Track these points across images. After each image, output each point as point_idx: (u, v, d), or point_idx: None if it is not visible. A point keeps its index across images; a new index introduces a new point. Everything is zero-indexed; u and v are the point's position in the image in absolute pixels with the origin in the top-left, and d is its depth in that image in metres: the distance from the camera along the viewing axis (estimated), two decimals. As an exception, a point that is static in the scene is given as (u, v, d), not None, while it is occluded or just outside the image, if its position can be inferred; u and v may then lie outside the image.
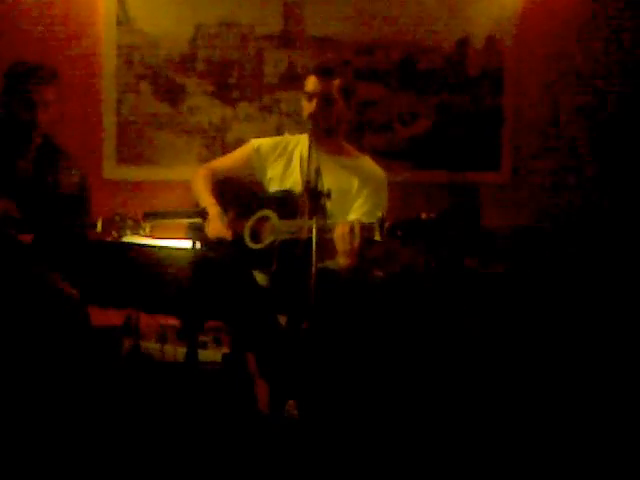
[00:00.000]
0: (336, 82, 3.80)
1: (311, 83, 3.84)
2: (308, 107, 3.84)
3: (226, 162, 4.09)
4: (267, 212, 3.76)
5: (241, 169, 4.04)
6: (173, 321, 4.17)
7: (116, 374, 3.95)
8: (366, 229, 3.29)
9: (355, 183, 3.74)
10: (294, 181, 3.86)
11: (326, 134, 3.82)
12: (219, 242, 3.63)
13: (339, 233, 3.35)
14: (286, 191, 3.84)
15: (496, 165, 5.22)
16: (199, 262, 3.34)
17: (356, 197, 3.73)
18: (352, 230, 3.31)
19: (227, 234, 3.67)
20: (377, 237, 3.24)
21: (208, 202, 3.79)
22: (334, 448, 3.43)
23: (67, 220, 3.79)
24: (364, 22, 5.06)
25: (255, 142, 4.07)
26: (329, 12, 5.05)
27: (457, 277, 4.53)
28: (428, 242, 3.17)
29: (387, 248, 3.78)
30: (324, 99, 3.80)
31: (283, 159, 3.97)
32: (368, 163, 3.91)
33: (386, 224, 3.21)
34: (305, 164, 3.64)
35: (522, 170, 5.23)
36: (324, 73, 3.82)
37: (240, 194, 3.97)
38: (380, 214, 3.27)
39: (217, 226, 3.70)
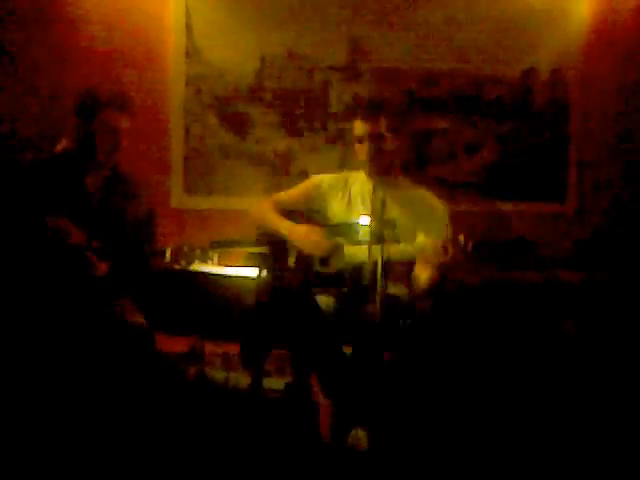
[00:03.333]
0: (382, 120, 3.81)
1: (358, 127, 3.87)
2: (360, 150, 3.88)
3: (287, 196, 4.13)
4: (339, 240, 3.79)
5: (302, 204, 4.07)
6: (238, 348, 4.19)
7: (181, 401, 3.96)
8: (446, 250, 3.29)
9: (415, 216, 3.74)
10: (354, 217, 3.89)
11: (383, 172, 3.85)
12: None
13: (434, 246, 3.34)
14: (351, 222, 3.87)
15: (561, 196, 5.17)
16: (265, 290, 3.36)
17: (418, 230, 3.72)
18: (445, 245, 3.30)
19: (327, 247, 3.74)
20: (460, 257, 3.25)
21: (288, 224, 3.84)
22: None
23: (134, 248, 3.84)
24: (429, 52, 5.07)
25: (316, 178, 4.11)
26: (394, 42, 5.07)
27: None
28: (505, 262, 3.17)
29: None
30: (374, 140, 3.82)
31: (345, 196, 4.00)
32: (426, 195, 3.92)
33: (469, 243, 3.21)
34: (365, 200, 3.71)
35: (587, 201, 5.19)
36: (368, 115, 3.84)
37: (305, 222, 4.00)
38: (462, 237, 3.26)
39: (316, 239, 3.78)
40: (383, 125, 3.82)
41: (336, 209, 4.00)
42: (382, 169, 3.87)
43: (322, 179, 4.10)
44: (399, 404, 3.46)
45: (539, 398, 4.08)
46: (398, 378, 3.41)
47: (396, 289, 3.56)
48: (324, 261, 3.80)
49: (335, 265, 3.76)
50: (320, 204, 4.04)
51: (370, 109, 3.88)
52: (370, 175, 3.90)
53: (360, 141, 3.88)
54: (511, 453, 3.72)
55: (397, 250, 3.51)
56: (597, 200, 5.18)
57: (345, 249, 3.72)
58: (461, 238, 3.24)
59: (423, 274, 3.43)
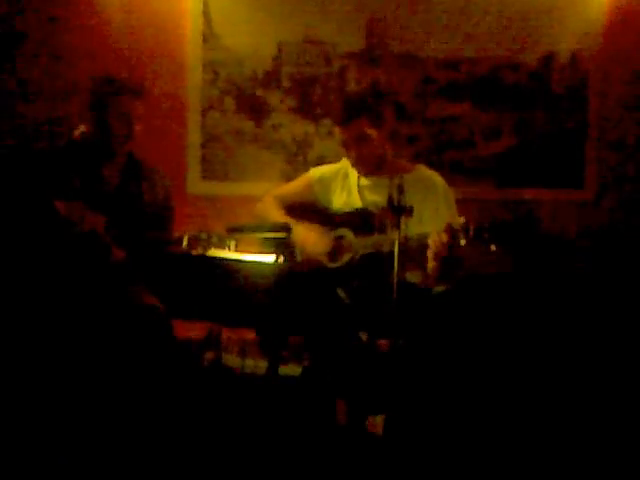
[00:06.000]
0: (362, 120, 3.77)
1: (339, 133, 3.84)
2: (349, 154, 3.85)
3: (289, 191, 4.12)
4: (342, 231, 3.78)
5: (304, 198, 4.06)
6: (254, 335, 4.19)
7: (197, 387, 3.97)
8: (455, 233, 3.27)
9: (418, 196, 3.58)
10: (358, 205, 3.88)
11: (374, 171, 3.83)
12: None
13: (433, 240, 3.33)
14: (359, 209, 3.85)
15: (580, 182, 5.15)
16: (283, 276, 3.36)
17: (423, 209, 3.66)
18: (447, 234, 3.28)
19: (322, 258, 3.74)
20: (462, 241, 3.23)
21: (293, 224, 3.82)
22: (417, 466, 3.42)
23: (151, 234, 3.85)
24: (447, 38, 5.05)
25: (316, 172, 4.10)
26: (412, 28, 5.05)
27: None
28: (512, 243, 3.15)
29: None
30: (358, 142, 3.79)
31: (345, 187, 3.99)
32: (423, 172, 3.88)
33: (470, 227, 3.19)
34: (363, 189, 3.70)
35: (606, 187, 5.16)
36: (345, 120, 3.81)
37: (310, 215, 3.99)
38: (463, 219, 3.25)
39: (314, 240, 3.77)
40: (364, 124, 3.78)
41: (338, 201, 3.99)
42: (372, 168, 3.85)
43: (322, 173, 4.09)
44: (415, 391, 3.46)
45: (552, 386, 4.08)
46: (413, 365, 3.40)
47: (413, 277, 3.55)
48: (332, 256, 3.79)
49: (342, 259, 3.75)
50: (324, 198, 4.03)
51: (346, 112, 3.83)
52: (362, 175, 3.89)
53: (345, 146, 3.86)
54: (523, 443, 3.72)
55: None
56: (616, 186, 5.14)
57: (352, 239, 3.72)
58: (460, 222, 3.23)
59: (430, 263, 3.42)
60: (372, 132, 3.77)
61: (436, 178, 3.87)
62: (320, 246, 3.83)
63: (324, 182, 4.05)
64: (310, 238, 3.86)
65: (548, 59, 5.05)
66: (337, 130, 3.88)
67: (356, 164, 3.87)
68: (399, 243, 3.10)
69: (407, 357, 3.32)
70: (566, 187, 5.13)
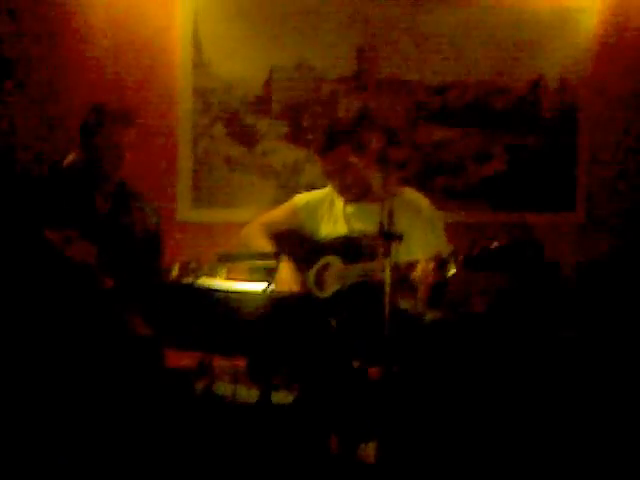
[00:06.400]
0: (341, 149, 3.75)
1: (322, 165, 3.83)
2: (333, 184, 3.84)
3: (274, 219, 4.10)
4: (328, 259, 3.76)
5: (290, 226, 4.04)
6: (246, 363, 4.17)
7: (189, 415, 3.95)
8: (443, 263, 3.26)
9: (404, 220, 3.43)
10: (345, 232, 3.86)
11: (360, 198, 3.81)
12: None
13: (421, 269, 3.32)
14: (346, 237, 3.83)
15: (571, 205, 5.15)
16: (273, 305, 3.34)
17: (409, 234, 3.50)
18: (433, 264, 3.27)
19: (296, 289, 3.69)
20: (452, 270, 3.22)
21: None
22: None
23: (142, 262, 3.84)
24: (437, 64, 5.06)
25: (301, 199, 4.09)
26: (402, 54, 5.06)
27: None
28: (502, 271, 3.14)
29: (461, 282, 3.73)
30: (341, 172, 3.78)
31: (332, 215, 3.97)
32: (409, 195, 3.85)
33: (459, 257, 3.18)
34: (349, 217, 3.68)
35: (597, 210, 5.16)
36: (324, 151, 3.79)
37: (296, 242, 3.97)
38: (451, 247, 3.24)
39: (287, 279, 3.73)
40: (346, 152, 3.76)
41: (325, 229, 3.97)
42: (358, 195, 3.84)
43: (307, 200, 4.07)
44: (408, 418, 3.44)
45: (542, 415, 4.06)
46: (406, 392, 3.39)
47: (405, 303, 3.53)
48: (319, 285, 3.78)
49: (330, 289, 3.73)
50: (310, 225, 4.01)
51: (327, 141, 3.82)
52: (348, 202, 3.87)
53: (329, 177, 3.85)
54: (519, 467, 3.70)
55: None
56: (608, 208, 5.15)
57: (339, 268, 3.70)
58: (449, 250, 3.23)
59: (419, 290, 3.41)
60: (354, 160, 3.75)
61: (422, 201, 3.86)
62: (295, 287, 3.79)
63: (310, 210, 4.03)
64: (288, 277, 3.81)
65: (537, 84, 5.07)
66: (318, 160, 3.86)
67: (341, 192, 3.86)
68: (390, 270, 3.09)
69: (399, 384, 3.30)
70: (558, 210, 5.13)
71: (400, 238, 3.19)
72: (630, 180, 5.15)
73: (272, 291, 3.34)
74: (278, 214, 4.12)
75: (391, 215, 3.22)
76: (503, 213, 5.09)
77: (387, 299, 3.05)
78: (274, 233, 4.02)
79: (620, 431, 4.00)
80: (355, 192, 3.83)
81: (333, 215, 3.97)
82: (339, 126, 3.92)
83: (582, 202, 5.16)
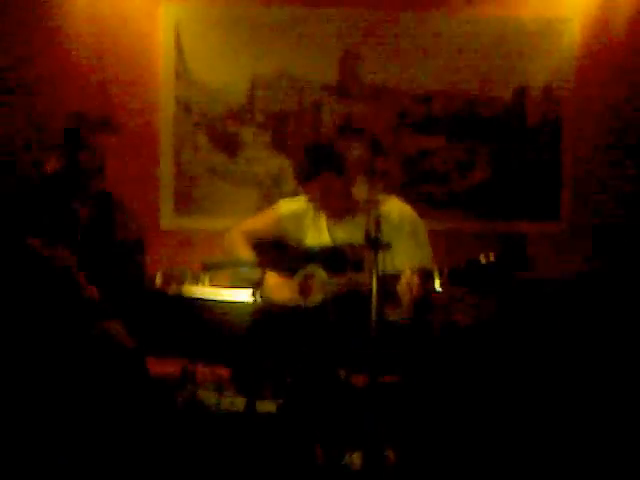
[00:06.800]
0: (324, 176, 3.73)
1: (304, 191, 3.81)
2: (315, 205, 3.82)
3: (256, 226, 4.04)
4: (313, 268, 3.74)
5: (273, 234, 4.00)
6: (230, 371, 4.15)
7: (172, 424, 3.92)
8: (427, 276, 3.25)
9: (389, 231, 3.33)
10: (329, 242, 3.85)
11: (346, 211, 3.80)
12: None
13: (404, 282, 3.30)
14: (331, 247, 3.81)
15: (555, 214, 5.16)
16: (258, 314, 3.33)
17: (396, 244, 3.44)
18: (417, 277, 3.26)
19: (286, 295, 3.68)
20: (437, 283, 3.21)
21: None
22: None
23: (125, 271, 3.81)
24: (420, 72, 5.06)
25: (284, 207, 4.03)
26: (385, 62, 5.06)
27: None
28: (488, 286, 3.13)
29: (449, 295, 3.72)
30: (325, 196, 3.76)
31: (316, 225, 3.94)
32: (393, 205, 3.83)
33: (445, 270, 3.17)
34: (332, 226, 3.67)
35: (582, 219, 5.17)
36: (306, 179, 3.78)
37: (279, 251, 3.95)
38: (433, 261, 3.23)
39: (276, 286, 3.72)
40: (329, 179, 3.74)
41: (309, 238, 3.94)
42: (343, 213, 3.82)
43: (292, 209, 4.01)
44: (396, 426, 3.42)
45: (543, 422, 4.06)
46: (394, 401, 3.37)
47: (392, 313, 3.51)
48: (302, 295, 3.75)
49: (314, 299, 3.71)
50: (295, 234, 3.98)
51: (307, 171, 3.78)
52: (334, 216, 3.86)
53: (311, 200, 3.83)
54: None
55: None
56: (591, 217, 5.16)
57: (323, 278, 3.68)
58: (432, 265, 3.22)
59: (403, 302, 3.39)
60: (338, 185, 3.74)
61: (406, 211, 3.83)
62: (285, 295, 3.77)
63: (294, 218, 3.99)
64: (277, 286, 3.79)
65: (521, 93, 5.08)
66: (300, 187, 3.84)
67: (326, 213, 3.84)
68: (376, 280, 3.07)
69: (387, 392, 3.28)
70: (542, 219, 5.14)
71: (387, 246, 3.18)
72: (614, 188, 5.15)
73: (262, 299, 3.32)
74: (260, 222, 4.08)
75: (377, 224, 3.20)
76: (488, 222, 5.08)
77: (373, 308, 3.03)
78: (255, 242, 3.98)
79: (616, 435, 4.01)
80: (340, 212, 3.81)
81: (317, 224, 3.95)
82: (318, 149, 3.87)
83: (566, 211, 5.16)
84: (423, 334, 3.58)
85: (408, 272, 3.31)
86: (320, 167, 3.72)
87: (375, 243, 3.12)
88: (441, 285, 3.22)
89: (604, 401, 4.22)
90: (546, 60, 5.07)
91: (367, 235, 3.15)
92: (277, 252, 3.94)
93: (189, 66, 5.04)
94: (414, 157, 5.07)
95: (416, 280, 3.27)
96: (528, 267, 3.08)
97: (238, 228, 4.06)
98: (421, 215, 3.91)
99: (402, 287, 3.32)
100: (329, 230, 3.89)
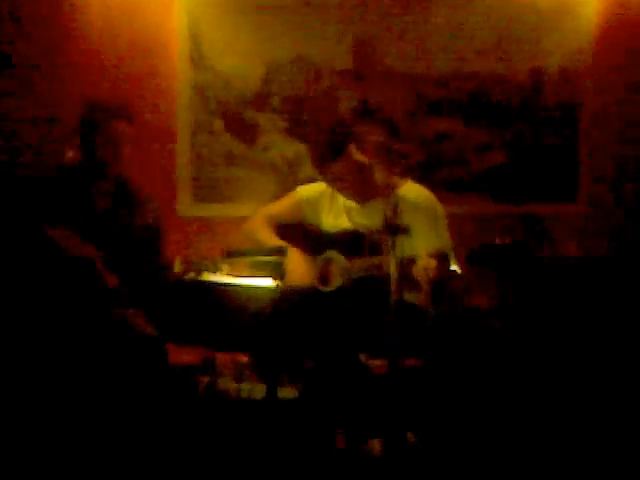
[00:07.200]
0: (337, 164, 3.72)
1: (325, 174, 3.80)
2: (339, 189, 3.82)
3: (278, 211, 4.07)
4: (332, 254, 3.73)
5: (293, 218, 4.02)
6: (249, 359, 4.16)
7: (193, 413, 3.94)
8: (444, 259, 3.24)
9: (407, 215, 3.34)
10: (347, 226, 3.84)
11: (364, 195, 3.79)
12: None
13: (421, 265, 3.30)
14: (349, 231, 3.81)
15: (573, 196, 5.14)
16: (278, 300, 3.32)
17: (414, 228, 3.40)
18: (434, 260, 3.26)
19: (308, 280, 3.68)
20: (454, 266, 3.21)
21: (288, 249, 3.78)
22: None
23: (143, 259, 3.82)
24: (437, 55, 5.04)
25: (303, 192, 4.05)
26: (401, 46, 5.04)
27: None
28: (505, 268, 3.12)
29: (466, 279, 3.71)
30: (340, 182, 3.76)
31: (332, 208, 3.95)
32: (410, 188, 3.83)
33: (462, 253, 3.17)
34: (351, 210, 3.65)
35: (599, 201, 5.15)
36: (320, 165, 3.77)
37: (300, 235, 3.95)
38: (452, 244, 3.23)
39: (298, 270, 3.71)
40: (340, 167, 3.73)
41: (326, 222, 3.95)
42: (365, 198, 3.82)
43: (309, 193, 4.04)
44: (417, 411, 3.42)
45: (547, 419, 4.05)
46: (415, 386, 3.37)
47: (411, 297, 3.50)
48: (321, 280, 3.76)
49: (333, 283, 3.71)
50: (313, 218, 3.99)
51: (328, 151, 3.79)
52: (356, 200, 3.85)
53: (331, 183, 3.83)
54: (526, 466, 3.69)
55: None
56: (609, 199, 5.14)
57: (342, 263, 3.68)
58: (451, 246, 3.21)
59: (422, 285, 3.38)
60: (361, 158, 3.73)
61: (424, 195, 3.83)
62: (307, 277, 3.77)
63: (312, 202, 4.01)
64: (299, 268, 3.80)
65: (538, 74, 5.05)
66: (320, 171, 3.83)
67: (347, 196, 3.83)
68: (395, 264, 3.06)
69: (408, 378, 3.28)
70: (559, 201, 5.12)
71: (405, 231, 3.17)
72: (631, 170, 5.12)
73: (282, 284, 3.32)
74: (281, 206, 4.10)
75: (396, 209, 3.20)
76: (505, 205, 5.06)
77: (393, 293, 3.03)
78: (277, 226, 3.99)
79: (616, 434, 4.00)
80: (358, 195, 3.80)
81: (334, 208, 3.95)
82: (338, 129, 3.87)
83: (584, 193, 5.13)
84: (442, 317, 3.58)
85: (425, 255, 3.31)
86: (342, 142, 3.72)
87: (393, 228, 3.12)
88: (459, 268, 3.22)
89: (622, 383, 4.21)
90: (562, 41, 5.03)
91: (385, 219, 3.16)
92: (298, 236, 3.95)
93: (204, 53, 5.03)
94: (431, 140, 5.05)
95: (433, 263, 3.26)
96: (549, 248, 3.06)
97: (259, 213, 4.08)
98: (439, 198, 3.91)
99: (419, 270, 3.32)
100: (348, 214, 3.89)
